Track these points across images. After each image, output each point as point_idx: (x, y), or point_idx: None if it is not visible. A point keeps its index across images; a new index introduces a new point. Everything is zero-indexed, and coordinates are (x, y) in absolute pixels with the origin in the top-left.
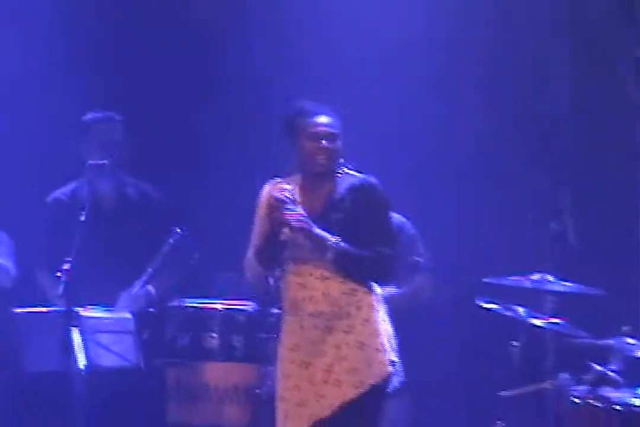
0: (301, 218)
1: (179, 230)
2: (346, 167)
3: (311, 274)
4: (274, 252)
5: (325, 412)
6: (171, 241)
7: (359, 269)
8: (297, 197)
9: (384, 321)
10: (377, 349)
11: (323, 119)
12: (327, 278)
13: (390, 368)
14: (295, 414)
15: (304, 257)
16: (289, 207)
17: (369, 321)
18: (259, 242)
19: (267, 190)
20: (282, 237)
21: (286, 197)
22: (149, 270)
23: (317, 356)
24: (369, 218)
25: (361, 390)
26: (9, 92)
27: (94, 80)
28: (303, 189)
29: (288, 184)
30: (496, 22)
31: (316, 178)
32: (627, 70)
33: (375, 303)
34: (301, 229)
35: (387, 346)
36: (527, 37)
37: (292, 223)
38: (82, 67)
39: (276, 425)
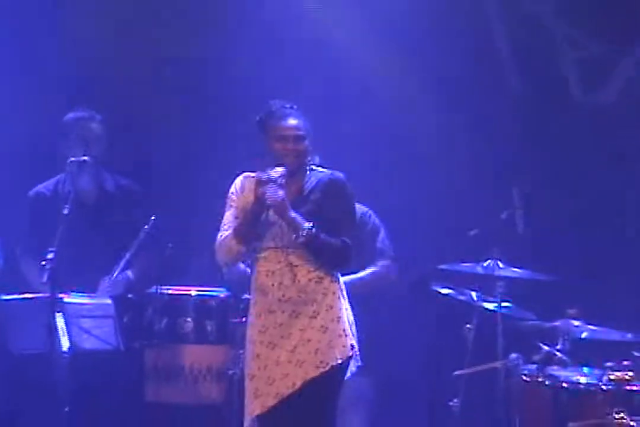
0: (279, 199)
1: (153, 218)
2: (313, 163)
3: (280, 262)
4: (252, 228)
5: (289, 391)
6: (146, 228)
7: (325, 255)
8: None
9: (347, 309)
10: (339, 334)
11: (291, 121)
12: (296, 266)
13: (350, 351)
14: (264, 392)
15: (277, 242)
16: (272, 187)
17: (333, 307)
18: (240, 219)
19: (239, 180)
20: (262, 216)
21: (274, 177)
22: (127, 255)
23: (283, 338)
24: (336, 210)
25: (322, 370)
26: None
27: (79, 79)
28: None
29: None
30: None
31: (286, 174)
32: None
33: (339, 291)
34: (276, 208)
35: (348, 331)
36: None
37: (269, 201)
38: (67, 64)
39: (246, 402)
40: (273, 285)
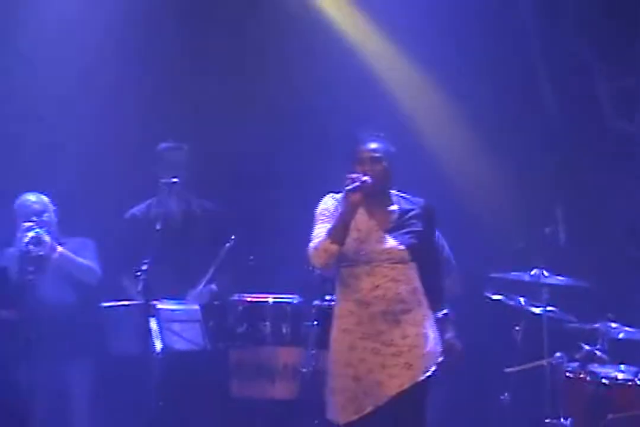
0: (364, 179)
1: (233, 237)
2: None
3: (385, 276)
4: (344, 229)
5: (398, 390)
6: (227, 245)
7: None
8: (363, 214)
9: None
10: (435, 342)
11: (370, 145)
12: (398, 280)
13: (441, 358)
14: (373, 393)
15: (376, 258)
16: (357, 177)
17: (426, 316)
18: (333, 222)
19: (329, 198)
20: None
21: (358, 177)
22: (211, 270)
23: (385, 344)
24: (431, 234)
25: (427, 374)
26: (98, 123)
27: (169, 113)
28: (366, 207)
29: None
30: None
31: (371, 198)
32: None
33: (426, 302)
34: (365, 186)
35: (438, 338)
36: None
37: (357, 184)
38: (160, 101)
39: (344, 403)
40: (376, 297)
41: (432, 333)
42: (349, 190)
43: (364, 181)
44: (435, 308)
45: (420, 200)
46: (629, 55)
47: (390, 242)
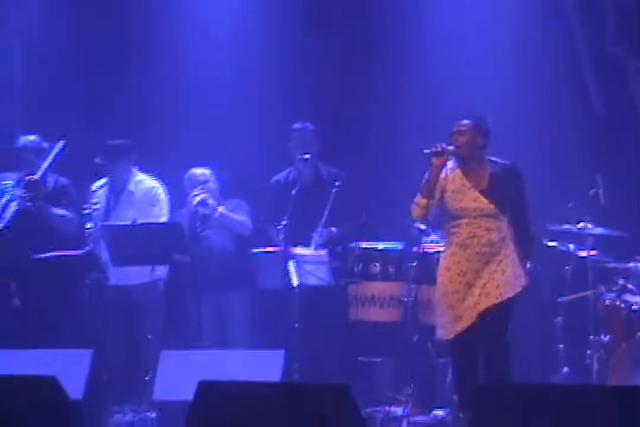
0: (446, 147)
1: (338, 183)
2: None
3: (480, 226)
4: (433, 185)
5: (478, 313)
6: (334, 190)
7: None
8: (461, 177)
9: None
10: (513, 275)
11: (462, 121)
12: (490, 229)
13: (520, 288)
14: (464, 316)
15: (471, 214)
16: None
17: (509, 257)
18: (424, 180)
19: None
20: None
21: (440, 145)
22: (325, 212)
23: (476, 279)
24: (515, 190)
25: (501, 299)
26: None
27: (302, 97)
28: (463, 172)
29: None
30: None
31: (463, 163)
32: None
33: (512, 245)
34: (445, 152)
35: (520, 272)
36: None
37: (437, 149)
38: (292, 88)
39: (443, 324)
40: (472, 242)
41: (512, 270)
42: (429, 153)
43: (445, 148)
44: (523, 254)
45: (507, 163)
46: None
47: (482, 200)
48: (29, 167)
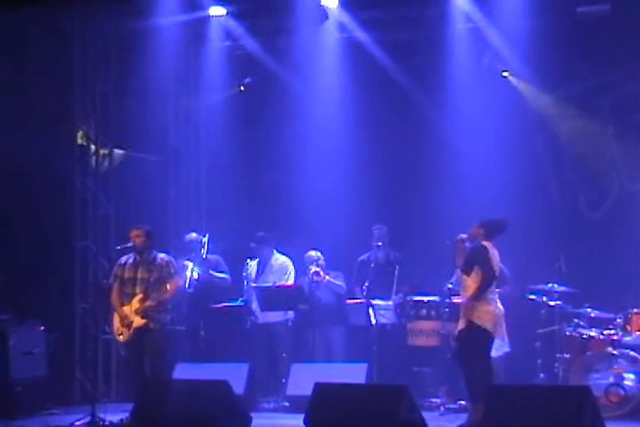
0: None
1: (397, 267)
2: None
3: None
4: None
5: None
6: (396, 271)
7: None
8: None
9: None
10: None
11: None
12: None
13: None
14: None
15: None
16: None
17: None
18: None
19: None
20: None
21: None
22: (394, 283)
23: None
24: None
25: None
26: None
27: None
28: None
29: None
30: None
31: None
32: None
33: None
34: None
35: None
36: None
37: None
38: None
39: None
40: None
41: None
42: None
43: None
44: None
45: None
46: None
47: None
48: (195, 252)
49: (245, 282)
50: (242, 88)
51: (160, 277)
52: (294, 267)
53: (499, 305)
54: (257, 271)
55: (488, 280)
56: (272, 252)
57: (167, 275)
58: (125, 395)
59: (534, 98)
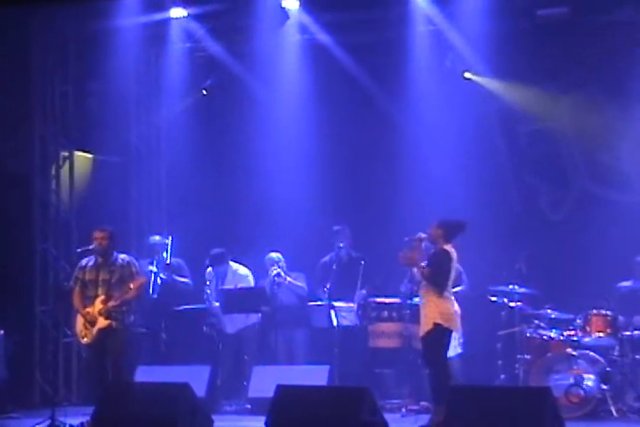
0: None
1: (363, 262)
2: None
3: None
4: None
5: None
6: (361, 267)
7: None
8: None
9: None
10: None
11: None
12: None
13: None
14: None
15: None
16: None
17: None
18: None
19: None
20: None
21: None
22: (359, 282)
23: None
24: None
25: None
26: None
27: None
28: None
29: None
30: None
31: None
32: None
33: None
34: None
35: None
36: None
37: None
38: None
39: None
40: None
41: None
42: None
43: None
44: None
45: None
46: None
47: None
48: (158, 255)
49: (207, 291)
50: (204, 91)
51: (121, 278)
52: (254, 268)
53: (456, 305)
54: (217, 283)
55: (441, 283)
56: (228, 264)
57: (129, 275)
58: (86, 398)
59: (494, 99)
